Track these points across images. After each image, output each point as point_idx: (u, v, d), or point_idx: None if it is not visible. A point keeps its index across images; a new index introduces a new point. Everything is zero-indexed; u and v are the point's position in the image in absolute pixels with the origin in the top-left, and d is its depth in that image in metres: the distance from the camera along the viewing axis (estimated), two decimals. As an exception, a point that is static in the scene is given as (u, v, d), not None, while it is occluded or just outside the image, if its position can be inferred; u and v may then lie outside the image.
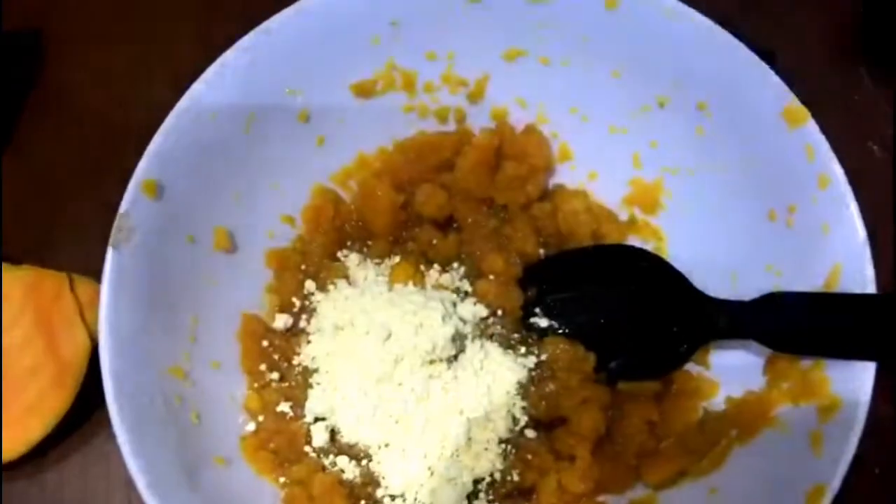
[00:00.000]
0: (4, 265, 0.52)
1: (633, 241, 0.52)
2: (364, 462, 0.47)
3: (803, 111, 0.43)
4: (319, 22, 0.48)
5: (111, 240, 0.43)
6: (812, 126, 0.43)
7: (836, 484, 0.38)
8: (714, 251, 0.49)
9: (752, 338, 0.44)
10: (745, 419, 0.45)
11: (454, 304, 0.49)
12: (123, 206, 0.43)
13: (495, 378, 0.47)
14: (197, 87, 0.46)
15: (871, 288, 0.40)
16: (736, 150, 0.46)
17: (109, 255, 0.43)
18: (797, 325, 0.42)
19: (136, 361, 0.42)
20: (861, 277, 0.41)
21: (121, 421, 0.40)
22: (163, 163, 0.45)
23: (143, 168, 0.44)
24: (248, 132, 0.48)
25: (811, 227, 0.43)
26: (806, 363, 0.42)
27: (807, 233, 0.44)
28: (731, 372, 0.47)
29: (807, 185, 0.44)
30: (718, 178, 0.48)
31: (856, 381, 0.40)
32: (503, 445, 0.47)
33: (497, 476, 0.46)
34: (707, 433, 0.46)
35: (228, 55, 0.46)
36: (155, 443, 0.41)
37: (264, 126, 0.49)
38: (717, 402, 0.47)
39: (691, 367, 0.49)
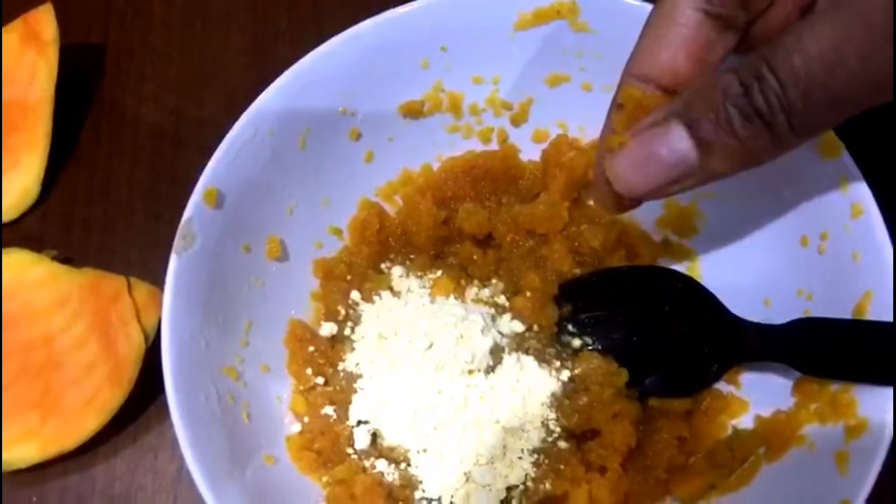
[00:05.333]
0: (68, 268, 0.55)
1: (667, 262, 0.54)
2: (403, 466, 0.49)
3: (838, 143, 0.45)
4: (373, 46, 0.50)
5: (175, 246, 0.45)
6: (846, 157, 0.45)
7: (860, 501, 0.40)
8: (746, 274, 0.51)
9: (781, 361, 0.46)
10: (773, 437, 0.46)
11: (493, 319, 0.51)
12: (187, 213, 0.46)
13: (530, 390, 0.49)
14: (257, 104, 0.48)
15: (898, 316, 0.42)
16: (770, 178, 0.48)
17: (173, 260, 0.45)
18: (826, 350, 0.44)
19: (193, 360, 0.44)
20: (889, 306, 0.42)
21: (179, 415, 0.42)
22: (224, 174, 0.47)
23: (206, 178, 0.47)
24: (303, 148, 0.51)
25: (842, 255, 0.45)
26: (834, 386, 0.44)
27: (838, 260, 0.45)
28: (760, 391, 0.49)
29: (840, 214, 0.45)
30: (752, 204, 0.50)
31: (882, 404, 0.41)
32: (536, 455, 0.48)
33: (530, 484, 0.48)
34: (736, 450, 0.47)
35: (287, 76, 0.49)
36: (209, 437, 0.43)
37: (318, 143, 0.51)
38: (747, 420, 0.49)
39: (722, 385, 0.50)
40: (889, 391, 0.41)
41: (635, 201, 0.42)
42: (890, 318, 0.42)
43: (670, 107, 0.37)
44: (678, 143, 0.36)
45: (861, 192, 0.44)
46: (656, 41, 0.40)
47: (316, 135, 0.51)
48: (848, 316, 0.44)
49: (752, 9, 0.39)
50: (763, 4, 0.39)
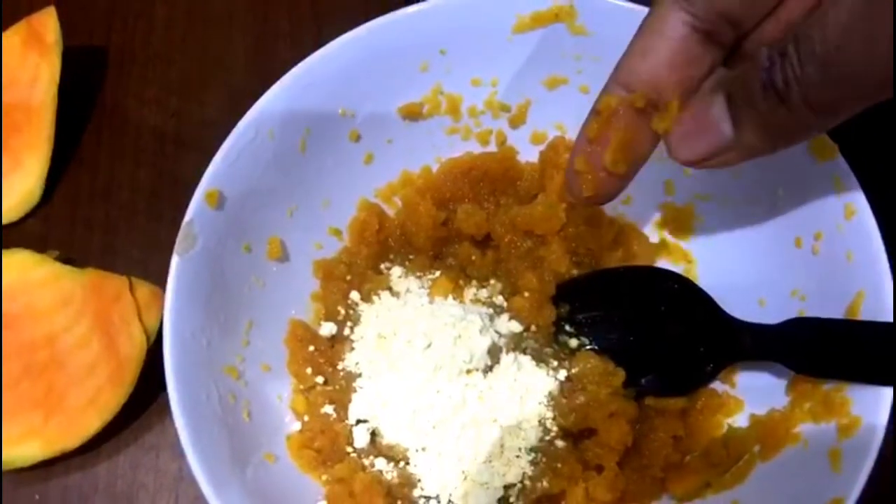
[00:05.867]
0: (70, 268, 0.56)
1: (664, 262, 0.55)
2: (402, 464, 0.49)
3: (831, 145, 0.45)
4: (373, 49, 0.51)
5: (176, 247, 0.46)
6: (839, 159, 0.45)
7: (853, 498, 0.40)
8: (742, 274, 0.51)
9: (776, 360, 0.46)
10: (767, 436, 0.47)
11: (491, 319, 0.52)
12: (188, 214, 0.46)
13: (528, 389, 0.50)
14: (258, 106, 0.49)
15: (890, 316, 0.42)
16: (765, 180, 0.49)
17: (174, 261, 0.45)
18: (819, 349, 0.44)
19: (195, 360, 0.45)
20: (882, 306, 0.42)
21: (181, 414, 0.43)
22: (225, 175, 0.48)
23: (208, 179, 0.47)
24: (303, 150, 0.51)
25: (836, 255, 0.45)
26: (828, 385, 0.44)
27: (832, 260, 0.46)
28: (755, 390, 0.49)
29: (833, 215, 0.46)
30: (747, 206, 0.50)
31: (875, 402, 0.42)
32: (534, 453, 0.49)
33: (527, 482, 0.49)
34: (731, 448, 0.48)
35: (287, 79, 0.49)
36: (210, 436, 0.44)
37: (318, 144, 0.52)
38: (741, 418, 0.49)
39: (717, 384, 0.51)
40: (881, 390, 0.41)
41: (604, 197, 0.43)
42: (882, 318, 0.42)
43: (718, 79, 0.38)
44: (717, 113, 0.37)
45: (854, 193, 0.45)
46: (642, 52, 0.40)
47: (316, 137, 0.51)
48: (841, 315, 0.45)
49: (740, 26, 0.39)
50: (751, 23, 0.39)
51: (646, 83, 0.40)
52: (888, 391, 0.41)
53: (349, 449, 0.49)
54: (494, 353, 0.50)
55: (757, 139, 0.37)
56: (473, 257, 0.54)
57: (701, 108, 0.38)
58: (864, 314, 0.43)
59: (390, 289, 0.54)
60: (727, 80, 0.37)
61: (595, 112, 0.42)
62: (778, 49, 0.34)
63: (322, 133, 0.52)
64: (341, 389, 0.51)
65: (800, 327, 0.45)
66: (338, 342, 0.53)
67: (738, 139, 0.37)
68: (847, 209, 0.45)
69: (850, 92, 0.33)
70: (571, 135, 0.55)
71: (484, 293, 0.54)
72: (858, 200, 0.45)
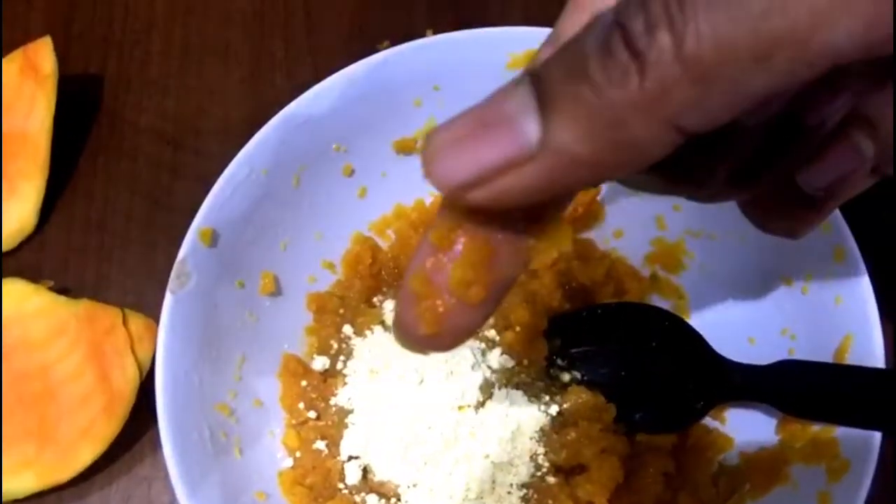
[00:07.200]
0: (65, 299, 0.56)
1: (655, 297, 0.55)
2: (393, 500, 0.49)
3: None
4: (367, 86, 0.51)
5: (170, 285, 0.46)
6: (828, 201, 0.46)
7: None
8: (732, 312, 0.51)
9: (764, 401, 0.47)
10: (757, 475, 0.47)
11: (483, 353, 0.52)
12: (182, 252, 0.47)
13: (520, 425, 0.50)
14: (252, 144, 0.49)
15: (879, 361, 0.43)
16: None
17: (167, 299, 0.46)
18: (808, 392, 0.45)
19: (187, 399, 0.45)
20: (870, 350, 0.43)
21: (172, 455, 0.43)
22: (219, 212, 0.48)
23: (201, 217, 0.47)
24: (297, 185, 0.51)
25: (825, 297, 0.46)
26: (817, 426, 0.45)
27: (821, 302, 0.46)
28: (745, 429, 0.49)
29: (822, 256, 0.46)
30: (738, 244, 0.51)
31: (863, 447, 0.42)
32: (525, 489, 0.49)
33: (519, 519, 0.49)
34: (721, 487, 0.48)
35: (281, 116, 0.50)
36: (202, 475, 0.44)
37: (312, 179, 0.52)
38: (732, 455, 0.50)
39: (708, 421, 0.51)
40: (869, 435, 0.42)
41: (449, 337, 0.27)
42: (869, 363, 0.43)
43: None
44: (517, 106, 0.23)
45: (843, 235, 0.45)
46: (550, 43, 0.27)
47: (310, 172, 0.52)
48: (830, 357, 0.45)
49: None
50: None
51: None
52: (876, 436, 0.41)
53: (341, 485, 0.50)
54: (486, 388, 0.50)
55: (576, 136, 0.21)
56: (466, 290, 0.54)
57: (488, 103, 0.24)
58: (851, 357, 0.44)
59: (383, 323, 0.54)
60: (537, 64, 0.24)
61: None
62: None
63: (316, 168, 0.52)
64: (333, 425, 0.51)
65: (788, 369, 0.46)
66: (330, 376, 0.53)
67: (547, 138, 0.22)
68: (836, 251, 0.45)
69: (764, 67, 0.19)
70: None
71: (476, 327, 0.54)
72: (847, 242, 0.45)
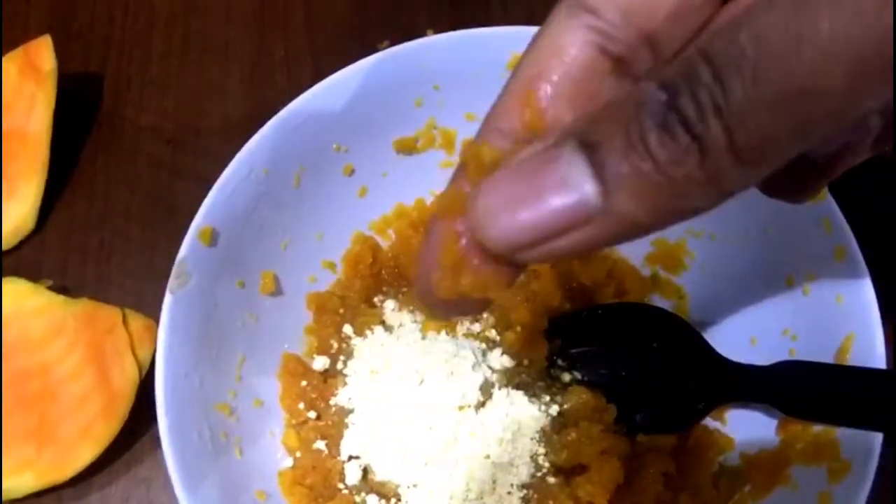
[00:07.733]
0: (64, 298, 0.56)
1: (656, 298, 0.55)
2: (393, 501, 0.49)
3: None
4: (367, 86, 0.51)
5: (169, 285, 0.46)
6: (830, 202, 0.46)
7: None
8: (734, 312, 0.51)
9: (765, 402, 0.47)
10: (758, 476, 0.47)
11: (483, 353, 0.52)
12: (182, 252, 0.46)
13: (520, 425, 0.50)
14: (252, 143, 0.49)
15: (880, 361, 0.43)
16: (756, 220, 0.49)
17: (167, 299, 0.46)
18: (809, 393, 0.44)
19: (187, 400, 0.45)
20: (871, 350, 0.43)
21: (172, 456, 0.42)
22: (219, 212, 0.48)
23: (201, 217, 0.47)
24: (297, 185, 0.51)
25: (826, 297, 0.46)
26: (818, 427, 0.45)
27: (822, 302, 0.46)
28: (746, 429, 0.49)
29: (824, 256, 0.46)
30: (739, 245, 0.51)
31: (864, 448, 0.42)
32: (525, 490, 0.49)
33: (519, 520, 0.49)
34: (722, 487, 0.48)
35: (282, 115, 0.49)
36: (201, 475, 0.44)
37: (312, 179, 0.52)
38: (733, 456, 0.49)
39: (708, 421, 0.51)
40: (871, 435, 0.42)
41: (469, 305, 0.28)
42: (871, 362, 0.43)
43: (568, 126, 0.25)
44: (572, 172, 0.24)
45: (844, 235, 0.45)
46: (530, 85, 0.28)
47: (310, 172, 0.52)
48: (831, 357, 0.45)
49: (660, 51, 0.28)
50: (673, 47, 0.28)
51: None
52: (877, 437, 0.41)
53: (341, 485, 0.49)
54: (486, 388, 0.50)
55: (639, 206, 0.23)
56: (466, 291, 0.54)
57: (539, 166, 0.24)
58: (853, 357, 0.44)
59: (383, 322, 0.54)
60: (582, 127, 0.24)
61: (460, 166, 0.28)
62: (681, 70, 0.22)
63: (316, 168, 0.52)
64: (333, 425, 0.51)
65: (790, 370, 0.46)
66: (330, 376, 0.53)
67: (608, 206, 0.23)
68: (837, 251, 0.45)
69: (798, 127, 0.21)
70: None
71: (477, 327, 0.54)
72: (849, 243, 0.45)
